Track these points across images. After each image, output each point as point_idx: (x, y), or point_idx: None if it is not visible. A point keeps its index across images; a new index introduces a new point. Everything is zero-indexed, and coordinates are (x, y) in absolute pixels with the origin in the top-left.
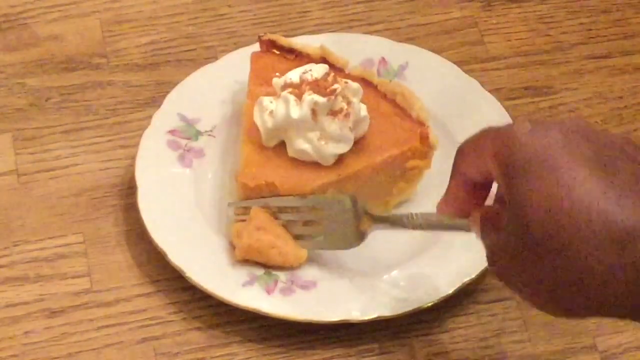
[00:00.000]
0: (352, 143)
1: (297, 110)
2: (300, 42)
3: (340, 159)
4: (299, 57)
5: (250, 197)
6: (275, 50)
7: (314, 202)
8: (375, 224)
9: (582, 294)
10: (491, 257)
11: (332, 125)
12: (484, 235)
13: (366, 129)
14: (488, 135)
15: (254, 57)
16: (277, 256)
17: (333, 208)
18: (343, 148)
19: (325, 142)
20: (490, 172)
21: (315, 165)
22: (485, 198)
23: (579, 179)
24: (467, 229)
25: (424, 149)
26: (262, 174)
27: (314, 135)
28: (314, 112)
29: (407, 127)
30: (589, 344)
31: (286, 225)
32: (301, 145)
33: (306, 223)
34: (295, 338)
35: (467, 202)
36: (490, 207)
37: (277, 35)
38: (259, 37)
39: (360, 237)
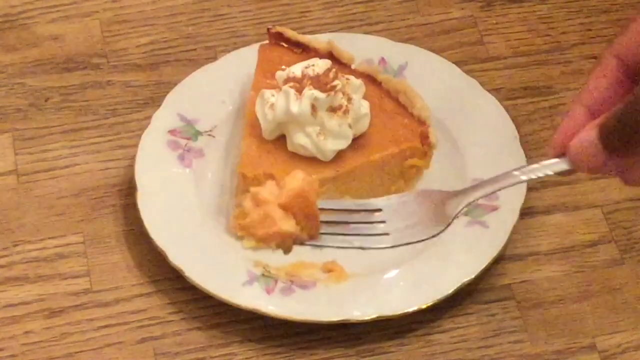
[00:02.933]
0: (350, 140)
1: (296, 105)
2: (309, 36)
3: (339, 154)
4: (306, 50)
5: (248, 188)
6: (283, 43)
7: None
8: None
9: None
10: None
11: (332, 121)
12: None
13: (367, 126)
14: None
15: (262, 49)
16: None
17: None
18: (341, 144)
19: (324, 137)
20: None
21: (314, 160)
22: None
23: None
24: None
25: (424, 148)
26: (261, 165)
27: (313, 130)
28: (313, 107)
29: (408, 126)
30: (588, 344)
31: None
32: (300, 139)
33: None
34: (295, 338)
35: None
36: None
37: (285, 28)
38: (268, 29)
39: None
